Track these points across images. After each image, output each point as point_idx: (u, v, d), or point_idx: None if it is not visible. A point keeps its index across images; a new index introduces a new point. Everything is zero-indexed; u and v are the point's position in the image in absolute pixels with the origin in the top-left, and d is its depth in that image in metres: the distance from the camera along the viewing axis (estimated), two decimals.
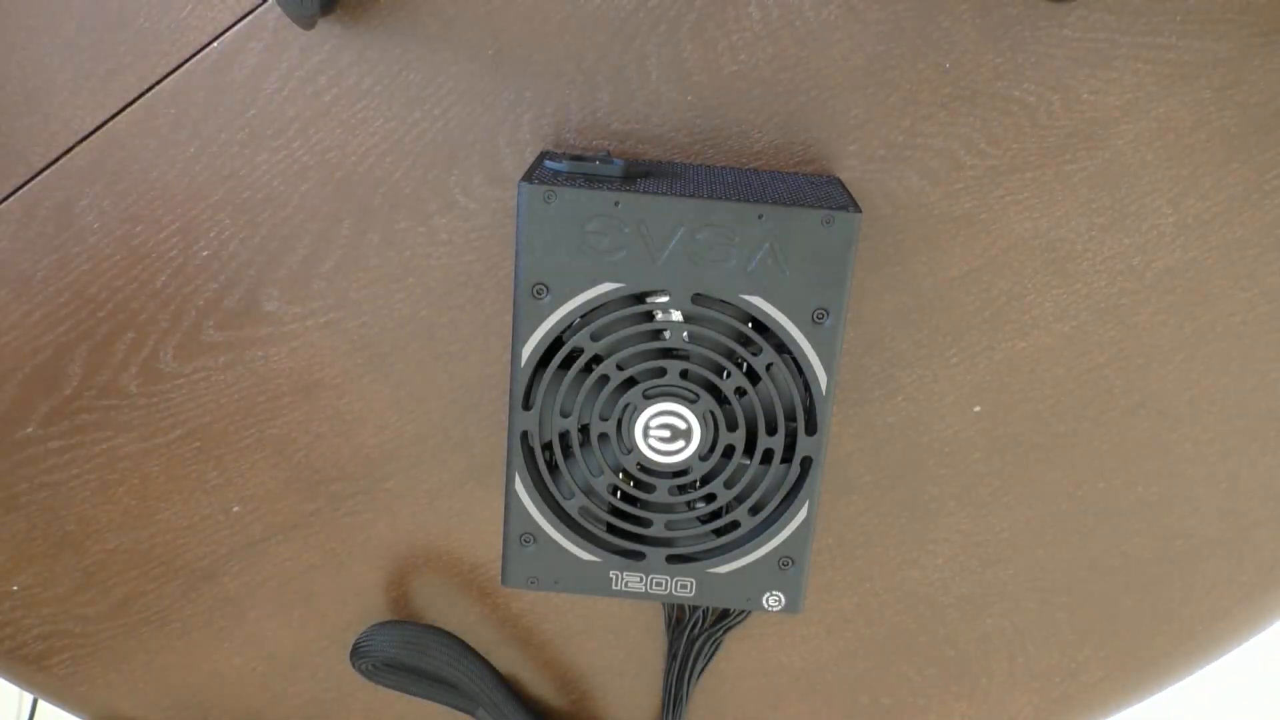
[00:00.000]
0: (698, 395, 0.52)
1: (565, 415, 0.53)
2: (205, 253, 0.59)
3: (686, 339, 0.51)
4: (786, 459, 0.53)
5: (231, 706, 0.69)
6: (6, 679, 0.69)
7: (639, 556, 0.55)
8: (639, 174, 0.52)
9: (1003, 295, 0.58)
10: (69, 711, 0.70)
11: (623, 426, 0.53)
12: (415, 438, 0.62)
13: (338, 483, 0.63)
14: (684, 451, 0.53)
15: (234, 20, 0.54)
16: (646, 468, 0.53)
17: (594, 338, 0.51)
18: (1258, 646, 0.67)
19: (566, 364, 0.52)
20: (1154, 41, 0.53)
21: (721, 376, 0.52)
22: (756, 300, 0.50)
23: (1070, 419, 0.61)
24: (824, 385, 0.51)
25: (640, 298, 0.51)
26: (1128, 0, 0.52)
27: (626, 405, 0.52)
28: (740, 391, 0.52)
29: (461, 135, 0.56)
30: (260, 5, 0.54)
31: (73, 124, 0.56)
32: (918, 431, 0.61)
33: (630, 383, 0.52)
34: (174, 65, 0.55)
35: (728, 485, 0.54)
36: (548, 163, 0.52)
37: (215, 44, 0.55)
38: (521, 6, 0.54)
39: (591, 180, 0.50)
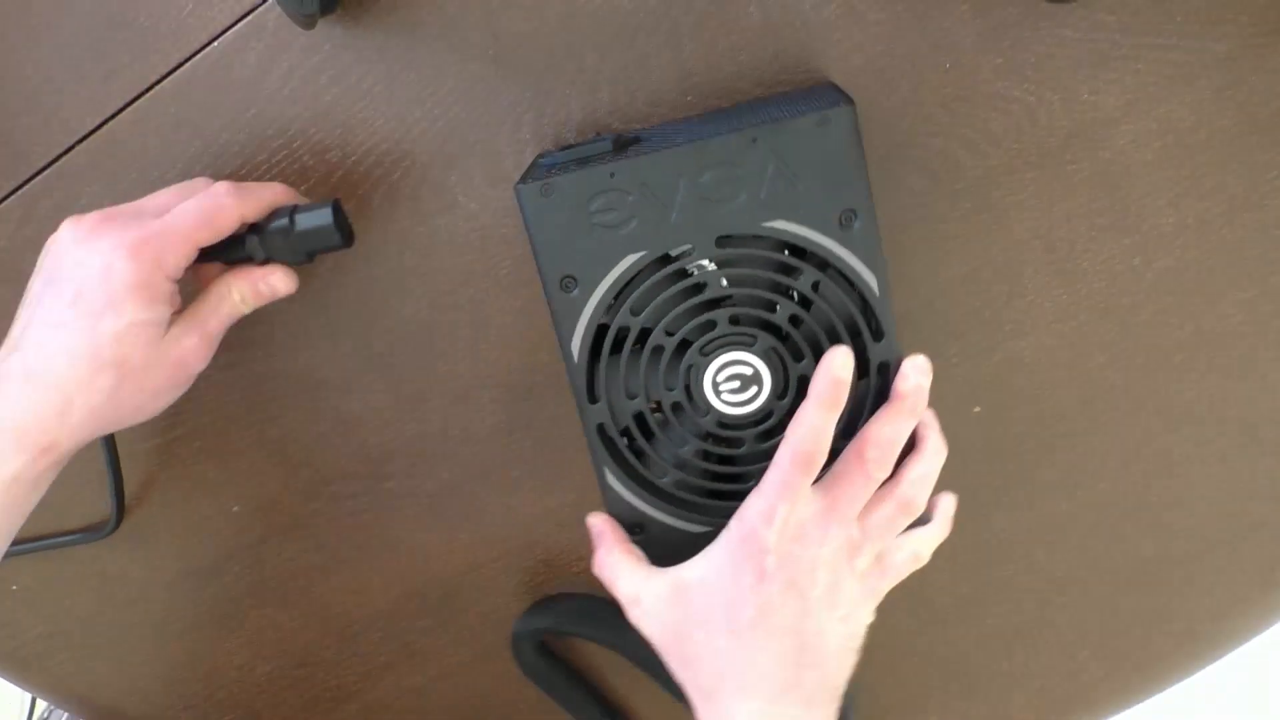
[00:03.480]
0: (755, 337, 0.50)
1: (632, 397, 0.51)
2: None
3: (725, 285, 0.49)
4: (862, 373, 0.51)
5: (231, 706, 0.69)
6: (6, 679, 0.69)
7: None
8: (628, 142, 0.51)
9: (1003, 295, 0.58)
10: (69, 711, 0.70)
11: (692, 390, 0.51)
12: (415, 438, 0.62)
13: (338, 483, 0.63)
14: (759, 398, 0.51)
15: (234, 20, 0.54)
16: (727, 424, 0.51)
17: (634, 312, 0.50)
18: (1258, 646, 0.67)
19: (617, 347, 0.51)
20: (1154, 42, 0.53)
21: (772, 311, 0.50)
22: (780, 224, 0.48)
23: (1070, 419, 0.61)
24: (875, 286, 0.49)
25: (667, 259, 0.49)
26: (1128, 1, 0.52)
27: (689, 368, 0.50)
28: (795, 320, 0.50)
29: (461, 135, 0.56)
30: (260, 5, 0.54)
31: (73, 124, 0.56)
32: None
33: (685, 345, 0.50)
34: (174, 65, 0.55)
35: None
36: (541, 161, 0.51)
37: (215, 44, 0.55)
38: (522, 6, 0.53)
39: (583, 161, 0.49)
